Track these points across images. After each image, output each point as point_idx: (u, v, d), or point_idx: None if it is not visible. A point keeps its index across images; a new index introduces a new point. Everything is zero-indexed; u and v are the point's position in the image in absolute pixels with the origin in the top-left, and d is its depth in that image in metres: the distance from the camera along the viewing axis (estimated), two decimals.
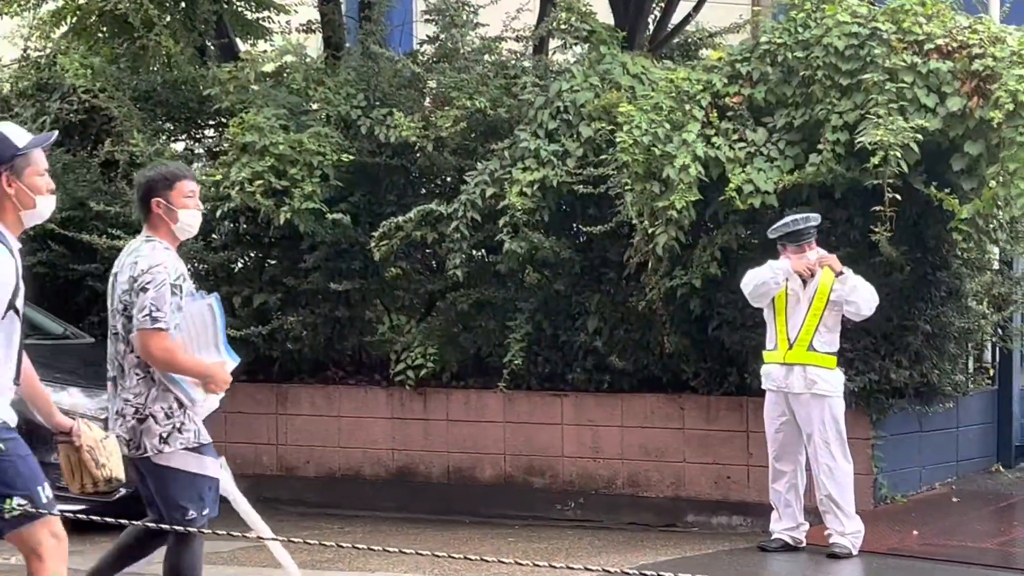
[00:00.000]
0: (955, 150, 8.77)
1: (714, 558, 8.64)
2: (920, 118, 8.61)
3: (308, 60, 11.17)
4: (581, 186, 9.78)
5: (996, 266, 10.50)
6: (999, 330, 10.62)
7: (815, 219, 8.57)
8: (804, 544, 8.71)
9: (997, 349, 11.07)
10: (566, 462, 10.30)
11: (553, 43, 11.44)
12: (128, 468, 5.72)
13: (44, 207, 5.13)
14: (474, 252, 10.30)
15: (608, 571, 4.17)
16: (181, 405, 5.95)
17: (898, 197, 8.53)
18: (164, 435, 5.92)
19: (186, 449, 5.94)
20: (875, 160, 8.44)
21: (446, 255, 10.08)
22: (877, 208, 8.61)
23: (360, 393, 10.89)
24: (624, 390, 10.21)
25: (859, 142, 8.60)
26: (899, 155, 8.45)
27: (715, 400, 9.97)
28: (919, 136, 8.51)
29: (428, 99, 10.98)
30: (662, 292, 9.60)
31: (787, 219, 8.59)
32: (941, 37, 8.77)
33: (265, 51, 11.53)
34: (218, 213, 10.16)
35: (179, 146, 12.06)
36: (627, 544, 9.17)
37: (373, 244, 10.14)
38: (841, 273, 8.45)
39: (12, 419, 5.07)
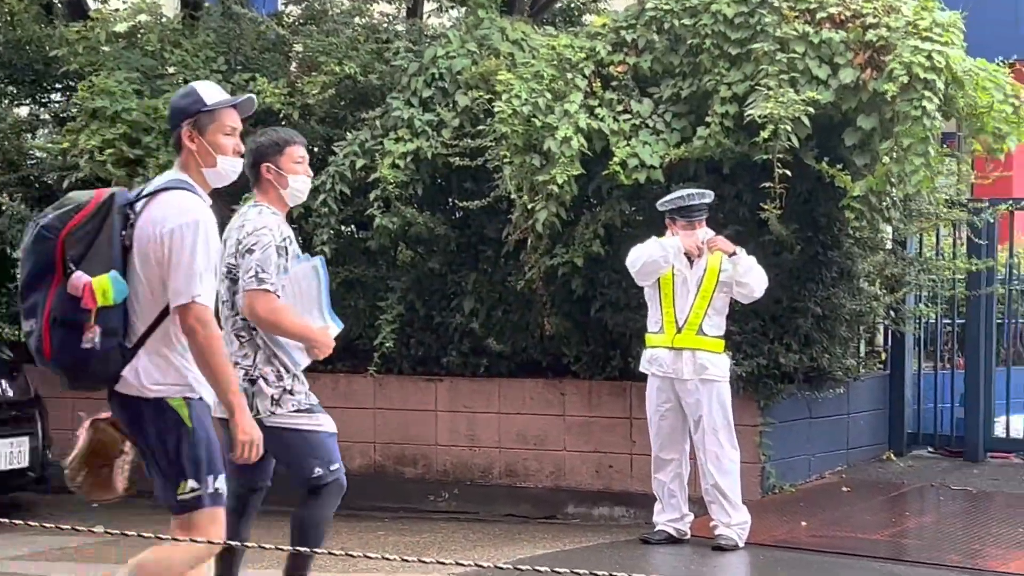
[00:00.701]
0: (848, 124, 8.93)
1: (595, 551, 8.71)
2: (812, 90, 8.75)
3: (164, 20, 11.04)
4: (457, 158, 9.80)
5: (889, 246, 10.70)
6: (891, 312, 10.83)
7: (709, 196, 8.66)
8: (689, 536, 8.84)
9: (889, 332, 11.30)
10: (440, 451, 10.34)
11: (428, 6, 11.45)
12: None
13: (227, 167, 5.37)
14: (343, 228, 10.30)
15: (481, 566, 4.20)
16: (288, 369, 6.19)
17: (788, 173, 8.67)
18: (275, 397, 6.17)
19: (297, 411, 6.19)
20: (765, 134, 8.57)
21: (313, 231, 10.03)
22: (767, 184, 8.75)
23: None
24: (502, 374, 10.26)
25: (749, 115, 8.72)
26: (790, 129, 8.58)
27: (597, 385, 10.07)
28: (810, 109, 8.65)
29: (294, 64, 10.92)
30: (542, 271, 9.66)
31: (681, 192, 8.68)
32: (834, 5, 8.92)
33: (117, 9, 11.36)
34: (65, 184, 10.01)
35: (23, 111, 11.86)
36: (504, 537, 9.23)
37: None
38: (734, 254, 8.56)
39: (211, 400, 5.29)
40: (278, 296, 6.08)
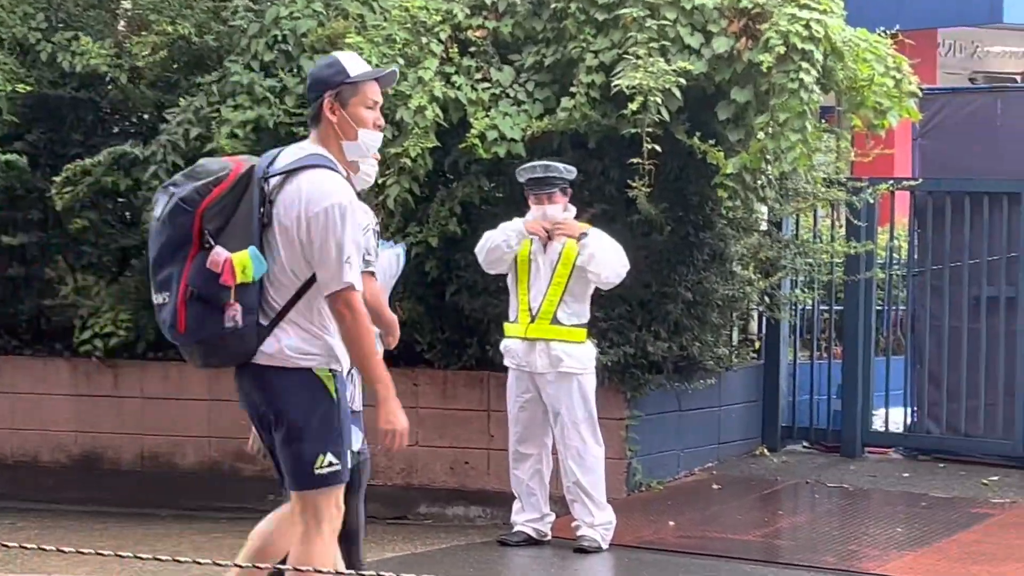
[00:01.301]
0: (721, 97, 8.97)
1: (448, 553, 8.69)
2: (683, 60, 8.78)
3: None
4: (302, 128, 9.67)
5: (764, 227, 10.78)
6: (766, 298, 10.91)
7: (560, 169, 8.59)
8: (549, 537, 8.84)
9: (764, 319, 11.39)
10: None
11: None
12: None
13: (367, 141, 5.58)
14: None
15: (320, 571, 4.14)
16: None
17: (658, 148, 8.69)
18: None
19: None
20: (633, 106, 8.58)
21: (142, 205, 9.87)
22: (635, 160, 8.75)
23: (38, 365, 10.64)
24: None
25: (616, 85, 8.72)
26: (660, 101, 8.60)
27: (452, 375, 10.03)
28: (682, 80, 8.68)
29: (122, 22, 10.72)
30: None
31: (536, 162, 8.67)
32: None
33: None
34: None
35: None
36: None
37: (54, 191, 9.84)
38: (584, 235, 8.52)
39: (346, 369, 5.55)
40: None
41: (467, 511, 9.92)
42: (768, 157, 8.90)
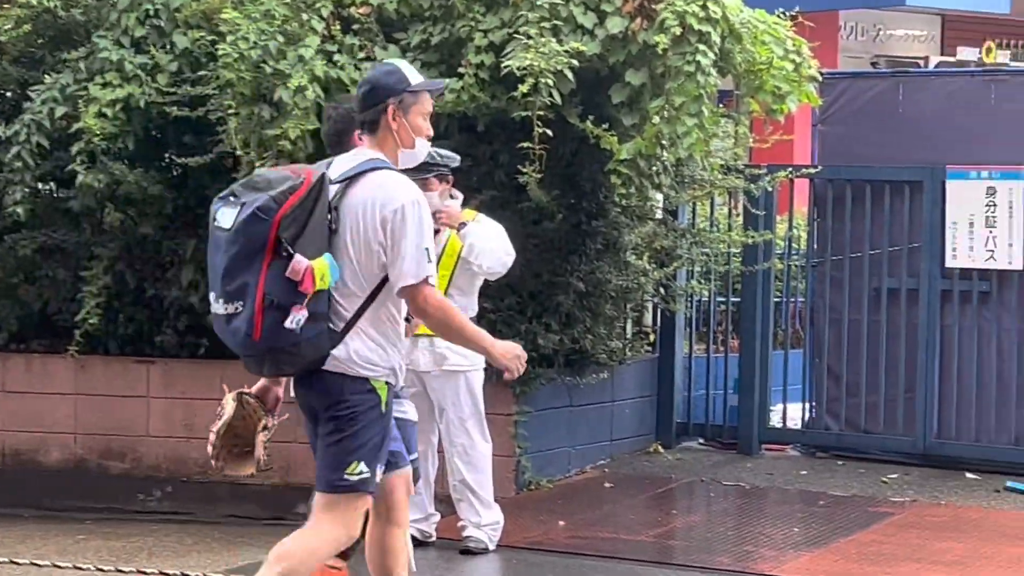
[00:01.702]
0: (615, 79, 9.01)
1: None
2: (576, 40, 8.81)
3: None
4: (175, 108, 9.59)
5: (659, 216, 10.83)
6: (661, 289, 10.97)
7: (439, 155, 8.51)
8: (434, 538, 8.84)
9: (659, 311, 11.45)
10: (152, 443, 10.16)
11: None
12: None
13: (420, 150, 5.96)
14: (40, 185, 10.04)
15: None
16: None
17: (549, 133, 8.70)
18: None
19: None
20: (524, 88, 8.59)
21: (4, 188, 9.75)
22: (525, 145, 8.77)
23: None
24: (225, 357, 10.06)
25: (506, 66, 8.72)
26: (551, 83, 8.61)
27: None
28: (575, 62, 8.70)
29: None
30: None
31: None
32: None
33: None
34: None
35: None
36: (223, 541, 9.11)
37: None
38: (463, 225, 8.47)
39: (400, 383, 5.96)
40: None
41: None
42: (664, 142, 8.94)
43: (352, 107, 6.53)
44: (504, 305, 9.73)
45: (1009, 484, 10.00)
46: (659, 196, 10.59)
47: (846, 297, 11.03)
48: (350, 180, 5.75)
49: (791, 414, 11.42)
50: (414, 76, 5.95)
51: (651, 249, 10.70)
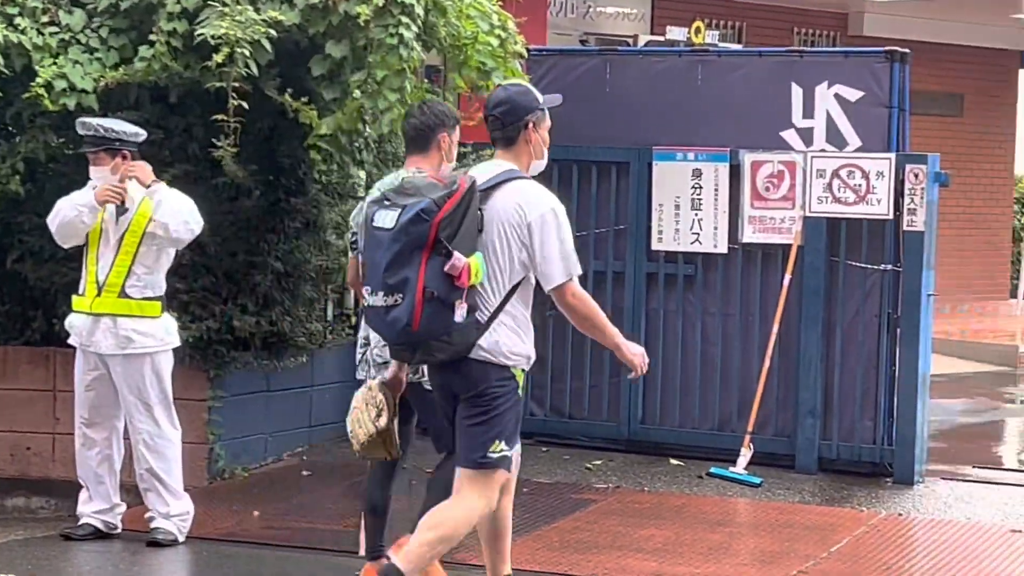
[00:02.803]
0: (316, 51, 8.97)
1: (4, 550, 8.52)
2: (274, 9, 8.75)
3: None
4: None
5: (361, 193, 10.81)
6: None
7: (103, 128, 8.42)
8: (120, 529, 8.74)
9: None
10: None
11: None
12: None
13: (544, 161, 6.92)
14: None
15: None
16: None
17: (246, 105, 8.64)
18: None
19: None
20: (219, 58, 8.50)
21: None
22: (220, 117, 8.68)
23: None
24: None
25: (200, 34, 8.62)
26: (248, 53, 8.54)
27: (14, 351, 9.82)
28: (272, 31, 8.65)
29: None
30: None
31: (85, 118, 8.50)
32: None
33: None
34: None
35: None
36: None
37: None
38: (150, 185, 8.41)
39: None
40: None
41: (28, 502, 9.73)
42: (366, 118, 8.93)
43: (444, 110, 7.67)
44: (198, 286, 9.64)
45: (712, 470, 10.26)
46: (361, 174, 10.55)
47: None
48: (492, 188, 6.61)
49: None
50: (540, 96, 6.92)
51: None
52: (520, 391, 6.68)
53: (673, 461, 10.65)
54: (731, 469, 10.18)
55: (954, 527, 9.27)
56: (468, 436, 6.65)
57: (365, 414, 6.91)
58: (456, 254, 6.37)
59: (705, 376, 10.81)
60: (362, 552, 7.83)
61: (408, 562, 6.57)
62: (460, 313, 6.44)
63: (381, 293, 6.46)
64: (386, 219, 6.48)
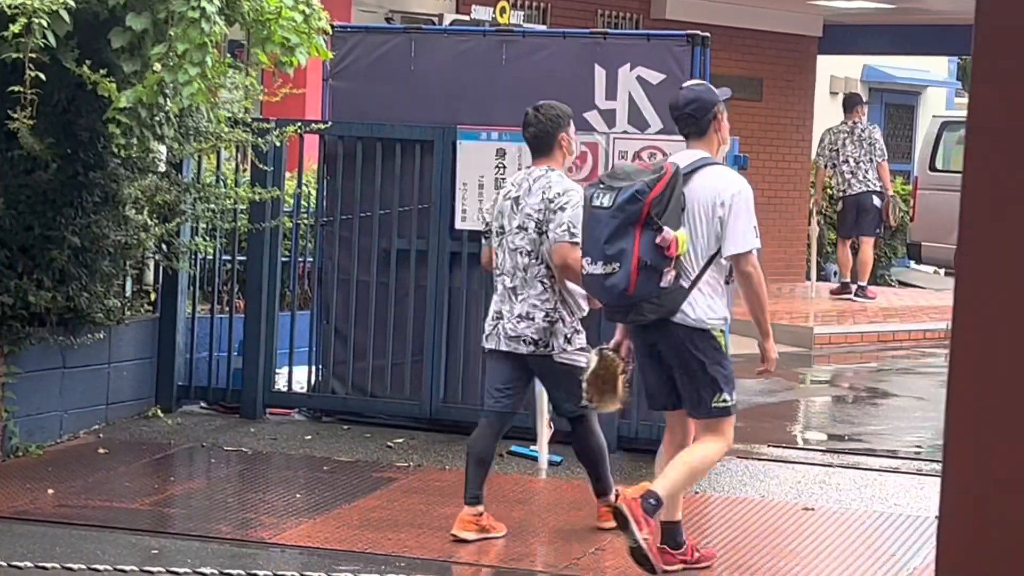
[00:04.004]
0: (116, 23, 8.83)
1: None
2: None
3: None
4: None
5: (162, 168, 10.70)
6: (164, 246, 10.85)
7: None
8: None
9: (161, 269, 11.31)
10: None
11: None
12: (512, 364, 8.52)
13: (728, 145, 8.03)
14: None
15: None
16: (574, 313, 8.49)
17: (43, 77, 8.51)
18: (568, 336, 8.45)
19: (580, 349, 8.42)
20: (15, 28, 8.35)
21: None
22: (16, 88, 8.53)
23: None
24: None
25: None
26: (46, 24, 8.40)
27: None
28: (71, 2, 8.51)
29: None
30: None
31: None
32: None
33: None
34: None
35: None
36: None
37: None
38: None
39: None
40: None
41: None
42: (166, 92, 8.83)
43: (557, 113, 8.53)
44: None
45: (513, 448, 10.31)
46: (162, 148, 10.44)
47: (355, 258, 11.13)
48: (692, 172, 7.63)
49: (297, 377, 11.48)
50: (717, 90, 7.99)
51: (153, 203, 10.56)
52: (724, 347, 7.71)
53: None
54: (531, 447, 10.24)
55: (748, 504, 9.45)
56: (690, 393, 7.73)
57: (608, 382, 7.94)
58: (666, 229, 7.40)
59: None
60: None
61: (664, 488, 7.57)
62: (668, 279, 7.49)
63: (600, 263, 7.58)
64: (604, 199, 7.58)
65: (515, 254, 8.48)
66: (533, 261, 8.44)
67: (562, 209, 8.32)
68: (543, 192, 8.42)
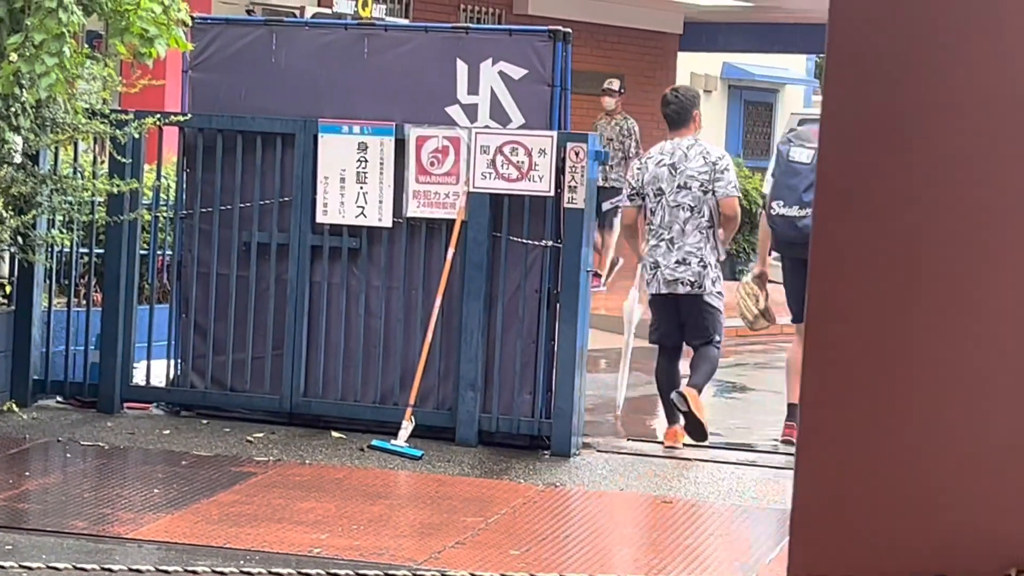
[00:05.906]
0: None
1: None
2: None
3: None
4: None
5: (18, 160, 10.53)
6: (19, 238, 10.68)
7: None
8: None
9: (16, 261, 11.15)
10: None
11: None
12: (672, 305, 10.54)
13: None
14: None
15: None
16: (719, 259, 10.43)
17: None
18: (714, 279, 10.39)
19: (719, 292, 10.46)
20: None
21: None
22: None
23: None
24: None
25: None
26: None
27: None
28: None
29: None
30: None
31: None
32: None
33: None
34: None
35: None
36: None
37: None
38: None
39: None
40: None
41: None
42: (23, 82, 8.72)
43: (694, 94, 10.80)
44: None
45: (373, 443, 10.29)
46: (18, 139, 10.26)
47: (215, 251, 11.05)
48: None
49: (156, 372, 11.38)
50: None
51: (8, 195, 10.39)
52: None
53: (335, 434, 10.66)
54: (392, 442, 10.23)
55: (608, 498, 9.51)
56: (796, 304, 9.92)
57: (747, 301, 10.64)
58: None
59: (368, 349, 10.84)
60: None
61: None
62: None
63: (796, 207, 9.86)
64: (801, 155, 9.94)
65: (676, 210, 10.34)
66: (695, 215, 10.31)
67: (727, 170, 10.37)
68: (704, 157, 10.39)
